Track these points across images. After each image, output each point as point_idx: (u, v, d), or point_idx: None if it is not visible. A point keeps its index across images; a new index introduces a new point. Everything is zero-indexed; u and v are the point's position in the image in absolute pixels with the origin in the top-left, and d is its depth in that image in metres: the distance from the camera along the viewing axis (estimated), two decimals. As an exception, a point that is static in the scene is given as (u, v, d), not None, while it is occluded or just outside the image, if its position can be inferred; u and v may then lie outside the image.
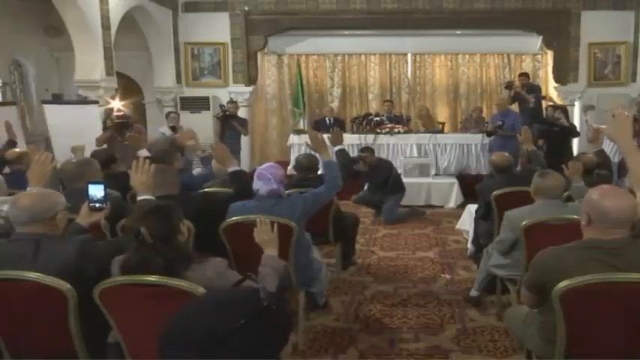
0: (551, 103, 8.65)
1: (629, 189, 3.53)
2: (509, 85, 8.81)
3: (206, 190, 4.16)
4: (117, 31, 7.54)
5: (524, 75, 8.99)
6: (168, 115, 8.27)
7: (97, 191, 2.67)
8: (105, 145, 6.16)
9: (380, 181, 6.79)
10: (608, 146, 7.16)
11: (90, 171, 3.56)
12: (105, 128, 6.41)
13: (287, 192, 3.64)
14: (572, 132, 7.38)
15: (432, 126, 9.18)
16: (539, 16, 9.09)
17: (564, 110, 7.71)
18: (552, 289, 2.12)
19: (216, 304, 1.16)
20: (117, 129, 6.21)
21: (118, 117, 6.30)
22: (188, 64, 9.56)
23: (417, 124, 9.40)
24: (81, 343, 2.29)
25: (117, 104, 6.85)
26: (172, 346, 1.11)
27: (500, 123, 7.61)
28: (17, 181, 3.82)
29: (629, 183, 3.61)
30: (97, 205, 2.67)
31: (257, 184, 3.40)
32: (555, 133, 7.16)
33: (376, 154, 8.41)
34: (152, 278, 2.14)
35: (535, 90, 8.86)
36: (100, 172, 3.69)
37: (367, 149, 7.05)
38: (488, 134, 7.93)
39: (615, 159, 7.01)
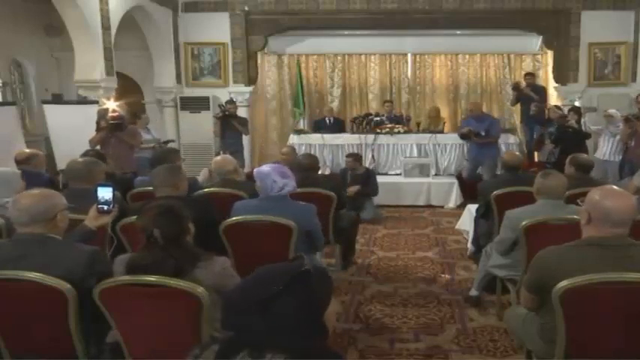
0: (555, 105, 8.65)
1: (637, 187, 3.55)
2: (516, 87, 8.79)
3: (206, 190, 4.17)
4: (117, 31, 7.53)
5: (530, 75, 9.02)
6: (139, 116, 7.96)
7: (105, 194, 2.68)
8: (98, 147, 6.08)
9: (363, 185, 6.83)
10: (608, 146, 7.16)
11: (98, 172, 3.57)
12: (98, 129, 6.33)
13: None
14: (583, 134, 7.33)
15: (438, 126, 9.18)
16: (539, 16, 9.07)
17: (577, 111, 7.67)
18: (552, 288, 2.13)
19: (259, 276, 1.33)
20: (111, 130, 6.12)
21: (112, 118, 6.21)
22: (188, 64, 9.55)
23: (425, 124, 9.37)
24: (81, 343, 2.29)
25: (112, 104, 6.80)
26: (225, 319, 1.31)
27: (483, 134, 7.43)
28: (26, 182, 3.82)
29: (637, 182, 3.62)
30: (106, 207, 2.68)
31: (281, 182, 3.42)
32: (569, 136, 7.12)
33: (376, 154, 8.49)
34: (152, 278, 2.14)
35: (539, 91, 8.88)
36: (103, 173, 3.70)
37: (352, 155, 7.13)
38: (462, 137, 7.73)
39: (616, 159, 7.01)
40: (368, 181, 6.92)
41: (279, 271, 1.29)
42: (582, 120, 7.71)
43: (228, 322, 1.28)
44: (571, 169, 4.32)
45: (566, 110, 7.96)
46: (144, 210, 2.33)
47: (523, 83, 8.91)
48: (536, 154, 8.82)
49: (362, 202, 6.81)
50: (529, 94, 8.67)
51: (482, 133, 7.40)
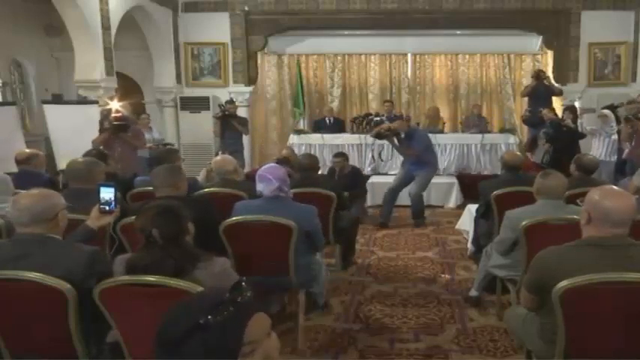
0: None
1: (637, 187, 3.54)
2: (538, 75, 8.68)
3: (206, 190, 4.17)
4: (117, 31, 7.54)
5: (543, 72, 8.98)
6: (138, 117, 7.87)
7: (107, 194, 2.69)
8: (102, 147, 6.06)
9: (351, 186, 6.27)
10: (604, 146, 7.16)
11: (98, 172, 3.58)
12: (102, 130, 6.29)
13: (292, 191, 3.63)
14: (578, 134, 7.31)
15: (437, 126, 9.17)
16: (539, 16, 9.08)
17: (573, 110, 7.65)
18: (552, 288, 2.13)
19: (180, 308, 1.19)
20: (114, 131, 6.10)
21: (116, 118, 6.17)
22: (188, 64, 9.56)
23: (422, 124, 9.36)
24: (81, 343, 2.29)
25: (115, 105, 6.77)
26: (157, 353, 1.18)
27: (403, 136, 6.56)
28: (25, 182, 3.82)
29: (638, 182, 3.61)
30: (107, 207, 2.68)
31: (259, 187, 3.43)
32: (563, 135, 7.10)
33: (376, 154, 8.46)
34: (152, 278, 2.14)
35: (557, 89, 8.87)
36: (103, 173, 3.70)
37: (341, 154, 6.75)
38: (378, 136, 6.75)
39: (611, 159, 7.01)
40: (355, 179, 6.57)
41: (188, 310, 1.17)
42: (579, 121, 7.70)
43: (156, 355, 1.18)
44: (574, 169, 4.32)
45: (561, 110, 7.96)
46: (143, 210, 2.33)
47: (542, 76, 8.76)
48: (529, 155, 8.77)
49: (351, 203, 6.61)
50: (551, 84, 8.65)
51: (402, 135, 6.55)
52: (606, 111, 7.28)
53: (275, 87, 10.67)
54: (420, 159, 6.60)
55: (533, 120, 8.36)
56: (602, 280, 2.09)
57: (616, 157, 6.95)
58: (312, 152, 7.88)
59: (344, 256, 4.95)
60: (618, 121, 6.88)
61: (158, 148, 7.12)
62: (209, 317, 1.12)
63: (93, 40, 7.06)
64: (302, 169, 4.83)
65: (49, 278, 2.17)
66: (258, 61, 9.94)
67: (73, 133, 6.71)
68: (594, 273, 2.10)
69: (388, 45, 10.37)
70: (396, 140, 6.68)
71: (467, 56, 10.55)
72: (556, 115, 7.73)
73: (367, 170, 8.30)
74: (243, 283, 1.20)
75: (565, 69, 9.22)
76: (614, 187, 2.42)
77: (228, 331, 1.14)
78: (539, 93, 8.64)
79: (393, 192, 6.79)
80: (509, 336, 3.45)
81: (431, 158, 6.78)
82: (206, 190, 4.17)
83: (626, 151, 6.58)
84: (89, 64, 7.11)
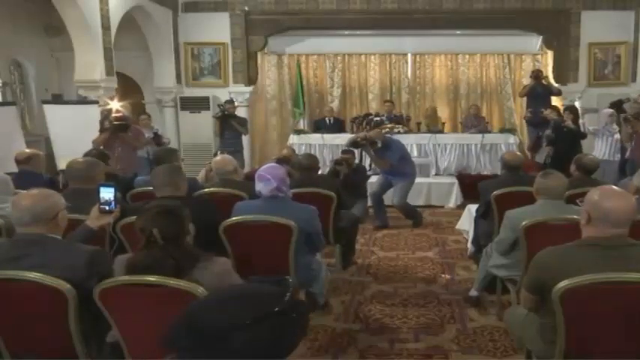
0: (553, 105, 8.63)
1: (637, 187, 3.54)
2: (537, 75, 8.69)
3: (206, 190, 4.17)
4: (117, 31, 7.53)
5: (542, 72, 8.98)
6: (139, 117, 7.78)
7: (107, 194, 2.69)
8: (102, 147, 6.06)
9: (355, 184, 6.17)
10: (608, 145, 7.15)
11: (98, 172, 3.58)
12: (102, 129, 6.26)
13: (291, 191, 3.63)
14: (579, 134, 7.31)
15: (435, 126, 9.17)
16: (539, 16, 9.08)
17: (573, 110, 7.64)
18: (552, 288, 2.13)
19: (228, 299, 1.16)
20: (114, 131, 6.10)
21: (116, 118, 6.17)
22: (188, 64, 9.55)
23: (423, 124, 9.37)
24: (81, 343, 2.29)
25: (115, 105, 6.77)
26: (178, 336, 1.11)
27: (379, 145, 6.35)
28: (25, 182, 3.82)
29: (637, 182, 3.61)
30: (107, 207, 2.68)
31: (258, 186, 3.43)
32: (564, 136, 7.10)
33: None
34: (152, 278, 2.14)
35: (556, 89, 8.87)
36: (103, 173, 3.70)
37: (349, 151, 6.63)
38: (354, 145, 6.55)
39: (615, 158, 7.00)
40: (360, 177, 6.43)
41: (253, 300, 1.13)
42: (581, 121, 7.68)
43: (177, 339, 1.12)
44: (574, 169, 4.32)
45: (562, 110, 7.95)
46: (143, 210, 2.33)
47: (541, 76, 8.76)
48: (530, 154, 8.76)
49: (352, 201, 6.56)
50: (550, 84, 8.65)
51: (379, 145, 6.36)
52: (610, 110, 7.26)
53: (275, 87, 10.67)
54: (395, 169, 6.44)
55: (535, 120, 8.36)
56: (602, 280, 2.09)
57: (619, 156, 6.94)
58: (312, 152, 7.88)
59: (344, 256, 4.94)
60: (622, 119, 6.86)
61: (154, 138, 7.15)
62: (283, 316, 1.11)
63: (93, 40, 7.06)
64: (302, 169, 4.83)
65: (49, 278, 2.17)
66: (258, 61, 9.94)
67: (73, 133, 6.71)
68: (594, 273, 2.10)
69: (388, 45, 10.37)
70: (372, 151, 6.48)
71: (467, 56, 10.54)
72: (560, 114, 7.71)
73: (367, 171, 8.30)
74: (289, 279, 1.19)
75: (565, 69, 9.22)
76: (614, 187, 2.42)
77: (296, 328, 1.16)
78: (537, 93, 8.65)
79: (376, 196, 6.67)
80: (509, 336, 3.45)
81: (408, 169, 6.59)
82: (206, 190, 4.17)
83: (629, 150, 6.59)
84: (89, 64, 7.10)
